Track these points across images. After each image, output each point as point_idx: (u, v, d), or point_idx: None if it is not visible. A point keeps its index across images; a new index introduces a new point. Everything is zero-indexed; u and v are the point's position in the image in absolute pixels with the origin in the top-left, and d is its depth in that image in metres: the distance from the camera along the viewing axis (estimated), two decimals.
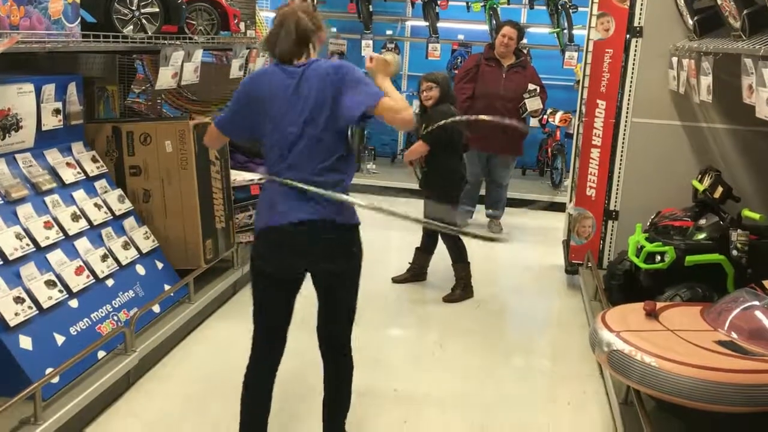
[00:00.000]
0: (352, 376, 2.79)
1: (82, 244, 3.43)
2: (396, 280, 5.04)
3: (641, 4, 4.51)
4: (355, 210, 2.59)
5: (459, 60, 8.22)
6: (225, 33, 4.75)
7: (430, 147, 4.60)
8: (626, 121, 4.67)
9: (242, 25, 4.96)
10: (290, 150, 2.52)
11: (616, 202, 4.78)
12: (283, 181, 2.49)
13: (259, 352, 2.69)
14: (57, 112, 3.51)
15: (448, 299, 4.77)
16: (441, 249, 4.86)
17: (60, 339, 3.05)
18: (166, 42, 3.95)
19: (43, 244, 3.19)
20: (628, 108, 4.65)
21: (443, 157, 4.65)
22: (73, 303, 3.21)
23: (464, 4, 8.16)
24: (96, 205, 3.64)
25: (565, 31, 7.96)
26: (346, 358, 2.77)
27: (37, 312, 2.99)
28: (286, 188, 2.50)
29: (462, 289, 4.80)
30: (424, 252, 5.02)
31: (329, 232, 2.52)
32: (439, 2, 8.19)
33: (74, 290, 3.23)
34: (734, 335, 2.84)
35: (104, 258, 3.50)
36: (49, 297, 3.07)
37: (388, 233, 6.09)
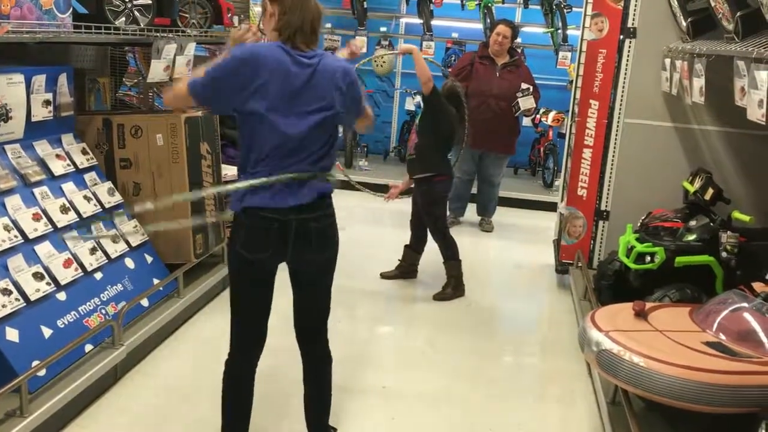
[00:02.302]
0: (332, 370, 2.78)
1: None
2: (385, 276, 5.02)
3: (635, 5, 4.51)
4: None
5: (453, 58, 8.22)
6: (218, 27, 4.73)
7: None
8: (618, 122, 4.69)
9: (236, 19, 4.95)
10: (291, 139, 2.46)
11: (607, 202, 4.80)
12: (279, 178, 2.44)
13: (243, 344, 2.65)
14: (47, 103, 3.49)
15: (439, 297, 4.76)
16: (434, 246, 4.86)
17: (47, 332, 3.03)
18: (158, 35, 3.93)
19: (31, 236, 3.17)
20: (620, 108, 4.67)
21: (429, 150, 4.67)
22: (61, 296, 3.19)
23: (459, 2, 8.16)
24: (85, 197, 3.62)
25: (559, 31, 7.98)
26: (326, 349, 2.76)
27: (25, 304, 2.97)
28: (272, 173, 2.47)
29: (453, 288, 4.80)
30: (413, 250, 5.02)
31: (320, 216, 2.52)
32: (433, 0, 8.18)
33: (62, 283, 3.21)
34: (722, 336, 2.85)
35: (93, 251, 3.48)
36: (36, 289, 3.05)
37: (378, 230, 6.09)
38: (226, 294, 4.53)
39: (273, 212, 2.45)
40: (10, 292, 2.92)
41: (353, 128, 2.78)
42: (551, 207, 6.71)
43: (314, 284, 2.68)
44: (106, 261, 3.54)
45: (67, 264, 3.28)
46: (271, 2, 2.53)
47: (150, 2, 3.81)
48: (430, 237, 4.88)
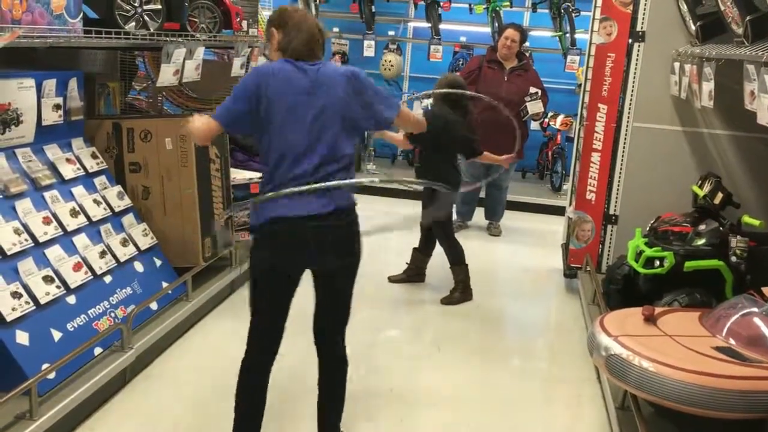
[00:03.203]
0: (347, 374, 2.81)
1: (81, 240, 3.42)
2: (392, 279, 5.03)
3: (644, 9, 4.51)
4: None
5: (461, 62, 8.22)
6: (227, 31, 4.75)
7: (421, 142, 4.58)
8: (627, 126, 4.68)
9: (244, 24, 4.96)
10: (303, 149, 2.54)
11: (615, 206, 4.78)
12: (291, 190, 2.49)
13: (260, 347, 2.69)
14: (57, 107, 3.51)
15: (447, 301, 4.75)
16: (441, 250, 4.86)
17: (57, 335, 3.04)
18: (168, 39, 3.95)
19: (41, 240, 3.19)
20: (629, 112, 4.66)
21: (434, 158, 4.64)
22: (71, 299, 3.21)
23: (467, 6, 8.17)
24: (95, 201, 3.64)
25: (568, 34, 7.97)
26: (342, 353, 2.79)
27: (35, 307, 2.98)
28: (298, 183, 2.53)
29: (461, 292, 4.79)
30: (422, 253, 5.02)
31: (341, 225, 2.58)
32: (441, 4, 8.19)
33: (72, 286, 3.22)
34: (732, 341, 2.84)
35: (102, 254, 3.50)
36: (46, 293, 3.06)
37: (387, 233, 6.09)
38: (234, 297, 4.56)
39: (291, 219, 2.52)
40: (21, 296, 2.94)
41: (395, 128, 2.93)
42: (559, 211, 6.69)
43: (333, 289, 2.73)
44: (116, 264, 3.56)
45: (76, 267, 3.30)
46: (277, 29, 2.68)
47: (160, 7, 3.83)
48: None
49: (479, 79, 6.24)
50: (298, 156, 2.53)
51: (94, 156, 3.79)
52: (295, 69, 2.59)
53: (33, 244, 3.14)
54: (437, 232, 4.81)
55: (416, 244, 5.04)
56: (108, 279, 3.48)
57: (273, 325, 2.68)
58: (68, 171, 3.56)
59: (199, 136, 2.69)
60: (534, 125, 7.51)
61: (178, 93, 5.26)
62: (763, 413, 2.59)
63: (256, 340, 2.69)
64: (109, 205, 3.71)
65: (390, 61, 8.51)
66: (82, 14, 3.33)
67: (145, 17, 3.76)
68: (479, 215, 6.73)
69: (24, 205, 3.20)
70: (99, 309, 3.34)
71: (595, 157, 4.83)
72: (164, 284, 3.83)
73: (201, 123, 2.65)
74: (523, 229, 6.81)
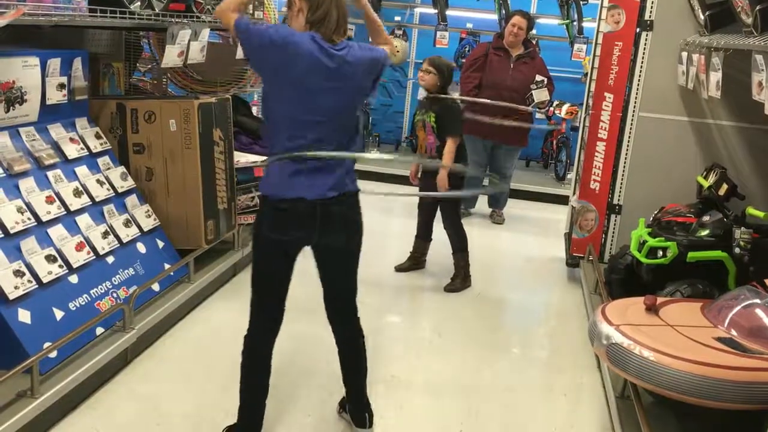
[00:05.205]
0: (365, 344, 2.89)
1: (84, 220, 3.42)
2: (399, 268, 5.04)
3: None
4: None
5: (467, 49, 8.18)
6: None
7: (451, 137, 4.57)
8: (633, 115, 4.66)
9: (250, 6, 4.93)
10: (318, 127, 2.56)
11: (619, 196, 4.77)
12: (301, 154, 2.53)
13: (262, 320, 2.73)
14: (62, 86, 3.50)
15: (449, 289, 4.76)
16: (442, 238, 4.85)
17: (59, 314, 3.05)
18: (173, 20, 3.92)
19: (44, 219, 3.19)
20: (635, 102, 4.64)
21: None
22: (73, 278, 3.21)
23: None
24: (98, 181, 3.63)
25: (575, 22, 7.92)
26: (356, 326, 2.87)
27: (37, 286, 2.98)
28: (304, 162, 2.54)
29: (462, 279, 4.80)
30: (423, 239, 5.02)
31: (345, 206, 2.63)
32: None
33: (74, 266, 3.23)
34: (734, 332, 2.83)
35: (105, 235, 3.50)
36: (49, 272, 3.07)
37: (389, 220, 6.09)
38: (236, 280, 4.56)
39: (295, 201, 2.56)
40: (23, 274, 2.94)
41: None
42: (563, 200, 6.68)
43: (339, 266, 2.77)
44: (118, 245, 3.56)
45: (79, 247, 3.30)
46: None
47: None
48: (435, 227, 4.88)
49: (485, 66, 6.22)
50: (298, 128, 2.55)
51: (97, 136, 3.79)
52: (320, 51, 2.51)
53: (36, 223, 3.14)
54: (448, 218, 4.79)
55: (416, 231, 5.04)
56: (110, 259, 3.48)
57: (274, 299, 2.72)
58: (72, 150, 3.56)
59: (221, 11, 2.60)
60: (539, 114, 7.48)
61: (182, 75, 5.24)
62: (763, 404, 2.59)
63: (258, 315, 2.72)
64: (112, 185, 3.71)
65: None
66: None
67: None
68: (482, 203, 6.72)
69: (27, 184, 3.20)
70: (101, 289, 3.35)
71: (600, 147, 4.82)
72: (166, 266, 3.84)
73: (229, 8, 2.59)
74: (527, 218, 6.81)
